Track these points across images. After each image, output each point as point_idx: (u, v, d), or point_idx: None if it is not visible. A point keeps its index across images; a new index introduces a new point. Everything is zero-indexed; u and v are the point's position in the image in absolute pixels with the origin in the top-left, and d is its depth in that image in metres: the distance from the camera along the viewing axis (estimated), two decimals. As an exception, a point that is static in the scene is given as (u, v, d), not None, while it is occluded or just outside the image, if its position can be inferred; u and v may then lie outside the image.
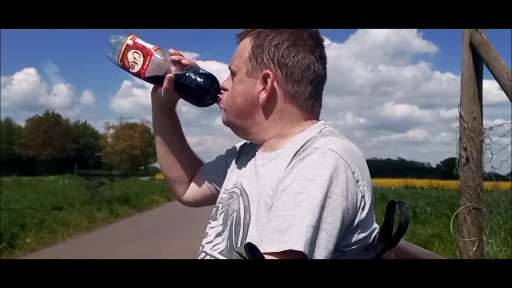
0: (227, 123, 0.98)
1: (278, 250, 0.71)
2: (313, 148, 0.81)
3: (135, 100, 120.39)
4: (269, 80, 0.89)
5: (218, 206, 1.00)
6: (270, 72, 0.89)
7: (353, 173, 0.79)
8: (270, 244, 0.72)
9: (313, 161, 0.78)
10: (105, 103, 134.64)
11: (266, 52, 0.90)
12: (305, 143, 0.84)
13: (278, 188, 0.80)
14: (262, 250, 0.71)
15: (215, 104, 1.01)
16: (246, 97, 0.92)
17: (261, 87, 0.91)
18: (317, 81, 0.93)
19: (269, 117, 0.92)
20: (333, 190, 0.75)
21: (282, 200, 0.76)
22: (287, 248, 0.71)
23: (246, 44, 0.93)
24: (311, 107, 0.93)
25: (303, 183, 0.76)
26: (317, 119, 0.95)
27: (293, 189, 0.76)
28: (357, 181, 0.79)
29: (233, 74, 0.95)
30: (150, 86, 1.08)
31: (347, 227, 0.78)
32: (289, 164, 0.83)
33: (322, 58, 0.94)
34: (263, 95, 0.90)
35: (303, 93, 0.91)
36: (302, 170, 0.78)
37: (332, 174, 0.76)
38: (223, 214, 0.95)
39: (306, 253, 0.71)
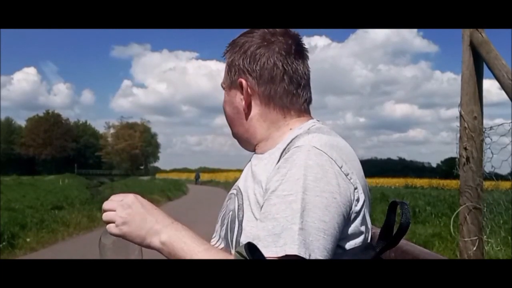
0: (232, 134, 1.03)
1: (275, 255, 0.72)
2: (296, 147, 0.81)
3: (135, 100, 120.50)
4: (243, 88, 0.94)
5: (220, 210, 1.02)
6: (243, 80, 0.94)
7: (341, 167, 0.79)
8: (266, 248, 0.73)
9: (298, 161, 0.78)
10: (105, 103, 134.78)
11: (238, 63, 0.95)
12: (290, 142, 0.85)
13: (267, 188, 0.80)
14: None
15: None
16: (232, 106, 0.98)
17: (241, 96, 0.95)
18: (289, 76, 0.92)
19: (253, 122, 0.95)
20: (323, 188, 0.75)
21: (273, 202, 0.77)
22: (283, 254, 0.72)
23: (227, 59, 0.99)
24: (290, 104, 0.93)
25: (291, 184, 0.76)
26: (305, 115, 0.95)
27: (282, 191, 0.77)
28: (347, 175, 0.79)
29: (223, 89, 1.01)
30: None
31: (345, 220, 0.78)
32: (277, 163, 0.83)
33: (297, 53, 0.93)
34: (242, 103, 0.95)
35: (277, 92, 0.92)
36: (290, 170, 0.78)
37: (319, 172, 0.76)
38: (222, 215, 0.97)
39: (302, 255, 0.71)
